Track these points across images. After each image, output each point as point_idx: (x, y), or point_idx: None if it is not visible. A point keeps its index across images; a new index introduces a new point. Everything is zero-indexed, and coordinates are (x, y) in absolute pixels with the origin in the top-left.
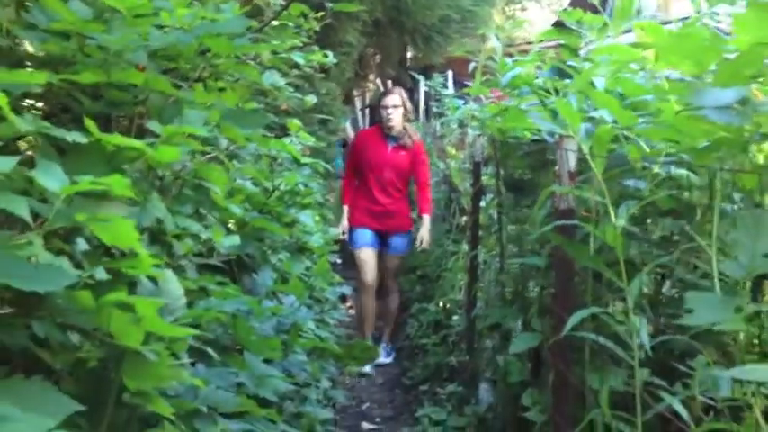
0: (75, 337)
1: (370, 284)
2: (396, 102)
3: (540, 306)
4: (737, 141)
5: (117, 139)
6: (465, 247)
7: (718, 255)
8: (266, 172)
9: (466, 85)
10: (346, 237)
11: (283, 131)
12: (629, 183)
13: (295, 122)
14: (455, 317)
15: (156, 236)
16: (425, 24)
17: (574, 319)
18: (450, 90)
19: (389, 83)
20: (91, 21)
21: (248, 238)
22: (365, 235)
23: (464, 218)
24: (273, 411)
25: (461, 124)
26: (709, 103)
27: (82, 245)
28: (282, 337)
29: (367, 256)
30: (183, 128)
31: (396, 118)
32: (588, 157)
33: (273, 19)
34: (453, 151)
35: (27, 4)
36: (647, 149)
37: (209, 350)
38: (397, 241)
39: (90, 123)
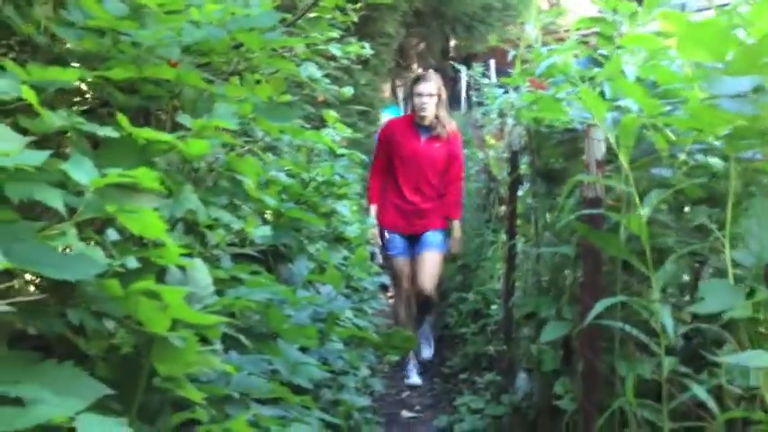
0: (110, 325)
1: (408, 292)
2: (431, 89)
3: (571, 295)
4: (756, 130)
5: (147, 133)
6: (503, 236)
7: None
8: (303, 163)
9: (508, 74)
10: (377, 241)
11: (321, 123)
12: (658, 171)
13: (331, 114)
14: (494, 306)
15: (190, 226)
16: (467, 13)
17: (598, 308)
18: (493, 79)
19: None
20: (124, 17)
21: (284, 228)
22: (397, 242)
23: (503, 207)
24: (308, 398)
25: (501, 114)
26: (724, 91)
27: (113, 235)
28: (319, 326)
29: (403, 265)
30: (212, 121)
31: (430, 107)
32: (614, 145)
33: (305, 12)
34: (492, 141)
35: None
36: (674, 138)
37: (242, 337)
38: (431, 236)
39: (122, 118)
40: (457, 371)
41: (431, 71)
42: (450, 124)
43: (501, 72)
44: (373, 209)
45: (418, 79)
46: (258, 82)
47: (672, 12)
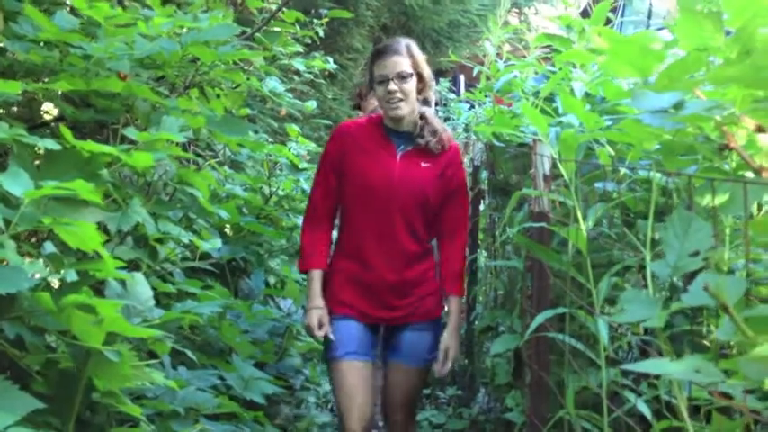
0: (52, 339)
1: None
2: (403, 66)
3: (521, 308)
4: (681, 145)
5: (90, 146)
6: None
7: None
8: (263, 177)
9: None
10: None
11: (286, 136)
12: (602, 185)
13: (294, 128)
14: None
15: (140, 240)
16: (434, 29)
17: (538, 320)
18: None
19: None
20: (74, 31)
21: (243, 242)
22: (350, 332)
23: None
24: (261, 414)
25: (466, 128)
26: (647, 107)
27: (50, 248)
28: (277, 341)
29: (354, 378)
30: (158, 134)
31: (407, 98)
32: (557, 160)
33: (262, 27)
34: None
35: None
36: (612, 152)
37: (188, 352)
38: (413, 339)
39: (65, 130)
40: None
41: (399, 39)
42: (446, 131)
43: (470, 87)
44: (314, 278)
45: (378, 54)
46: (219, 96)
47: (605, 29)
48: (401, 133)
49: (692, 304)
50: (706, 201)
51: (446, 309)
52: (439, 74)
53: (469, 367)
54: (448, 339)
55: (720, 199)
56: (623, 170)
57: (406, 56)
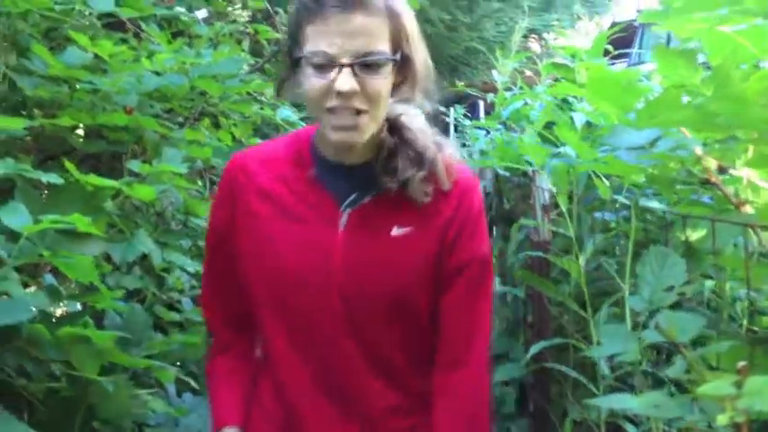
0: (56, 367)
1: None
2: (373, 40)
3: (525, 336)
4: (664, 179)
5: (93, 179)
6: None
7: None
8: None
9: None
10: None
11: None
12: (600, 215)
13: None
14: None
15: (147, 269)
16: (451, 56)
17: (533, 350)
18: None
19: None
20: (82, 67)
21: None
22: None
23: None
24: None
25: (482, 155)
26: (624, 144)
27: (50, 279)
28: None
29: None
30: (160, 167)
31: (373, 107)
32: (554, 191)
33: (270, 59)
34: None
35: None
36: (607, 183)
37: (191, 381)
38: None
39: (69, 164)
40: None
41: None
42: (446, 152)
43: (490, 113)
44: None
45: (319, 5)
46: (235, 125)
47: (592, 64)
48: (351, 170)
49: (653, 341)
50: (685, 235)
51: None
52: (461, 99)
53: None
54: None
55: (699, 234)
56: (620, 199)
57: (382, 16)
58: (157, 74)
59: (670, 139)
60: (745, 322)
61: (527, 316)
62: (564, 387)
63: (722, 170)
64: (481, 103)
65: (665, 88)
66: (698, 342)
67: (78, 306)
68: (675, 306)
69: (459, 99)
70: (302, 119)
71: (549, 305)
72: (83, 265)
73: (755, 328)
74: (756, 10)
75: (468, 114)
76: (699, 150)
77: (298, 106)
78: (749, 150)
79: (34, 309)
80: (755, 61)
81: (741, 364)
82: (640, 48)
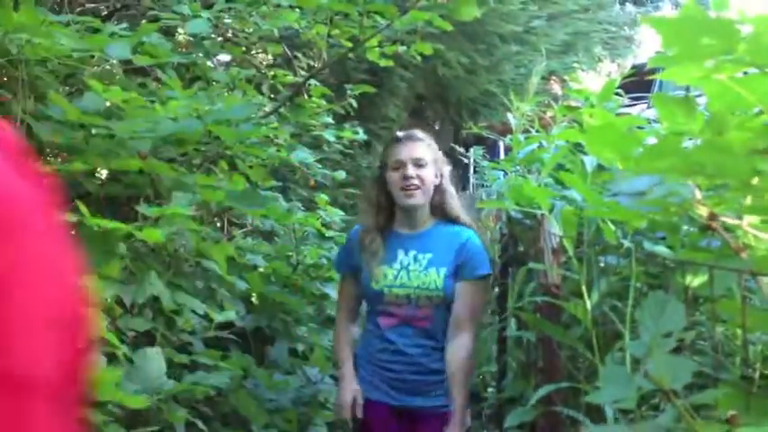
0: None
1: None
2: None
3: (536, 380)
4: (667, 224)
5: (103, 221)
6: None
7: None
8: (290, 246)
9: None
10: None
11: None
12: (609, 259)
13: (322, 197)
14: (490, 389)
15: (158, 311)
16: (469, 98)
17: (540, 393)
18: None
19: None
20: (95, 113)
21: (270, 310)
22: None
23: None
24: None
25: (499, 196)
26: (624, 190)
27: None
28: (302, 410)
29: None
30: (168, 209)
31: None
32: (561, 235)
33: (284, 102)
34: (490, 223)
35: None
36: (612, 227)
37: (199, 422)
38: None
39: (82, 207)
40: None
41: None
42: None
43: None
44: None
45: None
46: (251, 167)
47: (597, 110)
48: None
49: (646, 388)
50: (687, 281)
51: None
52: (481, 141)
53: None
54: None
55: (701, 279)
56: (626, 243)
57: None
58: (173, 119)
59: (665, 186)
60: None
61: (537, 360)
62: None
63: (713, 217)
64: (501, 145)
65: (662, 136)
66: (704, 387)
67: None
68: (678, 351)
69: (479, 140)
70: (318, 160)
71: (560, 349)
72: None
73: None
74: (749, 60)
75: (488, 155)
76: (696, 196)
77: (314, 148)
78: (748, 198)
79: None
80: (753, 109)
81: (731, 413)
82: (660, 90)
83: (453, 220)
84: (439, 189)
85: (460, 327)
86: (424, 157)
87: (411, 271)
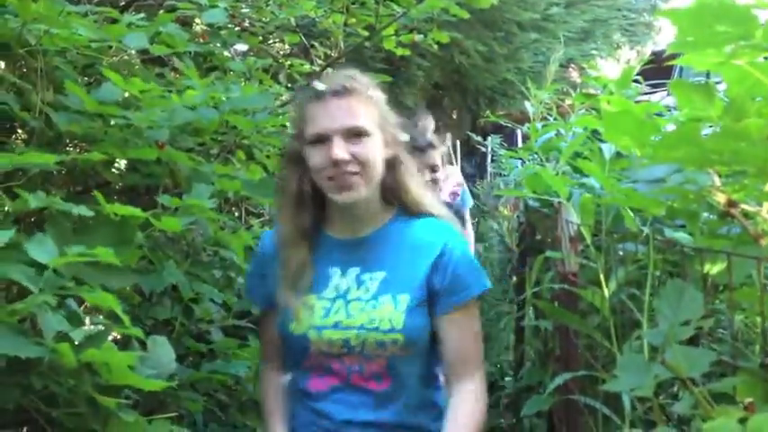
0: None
1: None
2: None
3: (554, 368)
4: (686, 212)
5: (121, 210)
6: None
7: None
8: None
9: None
10: None
11: None
12: (624, 246)
13: None
14: (507, 378)
15: (176, 299)
16: (487, 86)
17: (557, 381)
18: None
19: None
20: (113, 103)
21: None
22: None
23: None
24: None
25: (518, 184)
26: (642, 177)
27: (72, 305)
28: None
29: None
30: (188, 200)
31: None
32: (579, 223)
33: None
34: (506, 211)
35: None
36: (631, 215)
37: (216, 409)
38: None
39: (99, 195)
40: None
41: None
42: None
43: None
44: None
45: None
46: (268, 157)
47: (614, 97)
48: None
49: (664, 376)
50: (706, 269)
51: None
52: (499, 129)
53: (517, 426)
54: None
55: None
56: (646, 230)
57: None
58: (191, 108)
59: (683, 173)
60: None
61: (555, 348)
62: (595, 420)
63: (731, 204)
64: (519, 133)
65: (680, 122)
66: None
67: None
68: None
69: (497, 129)
70: None
71: (577, 337)
72: (104, 298)
73: None
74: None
75: (506, 144)
76: (714, 182)
77: None
78: (767, 185)
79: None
80: None
81: (748, 400)
82: (680, 76)
83: (418, 213)
84: (393, 165)
85: (459, 375)
86: (363, 125)
87: (351, 301)
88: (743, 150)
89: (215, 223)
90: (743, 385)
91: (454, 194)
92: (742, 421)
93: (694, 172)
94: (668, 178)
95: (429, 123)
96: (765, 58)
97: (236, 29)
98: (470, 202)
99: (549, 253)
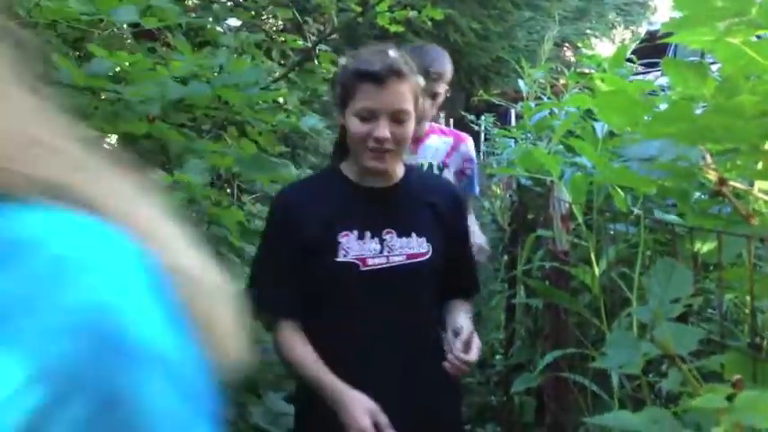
0: None
1: None
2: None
3: (544, 346)
4: (677, 191)
5: None
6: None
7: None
8: None
9: None
10: None
11: None
12: (619, 226)
13: None
14: (498, 356)
15: None
16: (481, 65)
17: (547, 359)
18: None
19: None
20: (104, 77)
21: None
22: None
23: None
24: None
25: (509, 164)
26: (634, 155)
27: None
28: None
29: None
30: (179, 176)
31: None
32: (570, 202)
33: (293, 68)
34: (499, 191)
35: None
36: (622, 194)
37: None
38: None
39: None
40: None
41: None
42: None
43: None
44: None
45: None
46: (260, 133)
47: (608, 75)
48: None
49: (653, 353)
50: (696, 248)
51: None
52: (492, 108)
53: (508, 404)
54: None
55: (710, 246)
56: (636, 210)
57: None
58: (181, 82)
59: (669, 152)
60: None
61: (545, 326)
62: (584, 397)
63: (723, 182)
64: (512, 112)
65: (672, 101)
66: (712, 354)
67: None
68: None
69: (490, 108)
70: (327, 127)
71: (568, 316)
72: None
73: None
74: (762, 21)
75: (499, 123)
76: (706, 160)
77: (324, 114)
78: (759, 163)
79: None
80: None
81: (736, 377)
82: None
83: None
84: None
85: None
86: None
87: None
88: (736, 127)
89: (208, 200)
90: (730, 363)
91: (461, 174)
92: (729, 398)
93: (686, 148)
94: (660, 155)
95: (445, 62)
96: (758, 36)
97: (229, 3)
98: (477, 188)
99: (540, 231)
